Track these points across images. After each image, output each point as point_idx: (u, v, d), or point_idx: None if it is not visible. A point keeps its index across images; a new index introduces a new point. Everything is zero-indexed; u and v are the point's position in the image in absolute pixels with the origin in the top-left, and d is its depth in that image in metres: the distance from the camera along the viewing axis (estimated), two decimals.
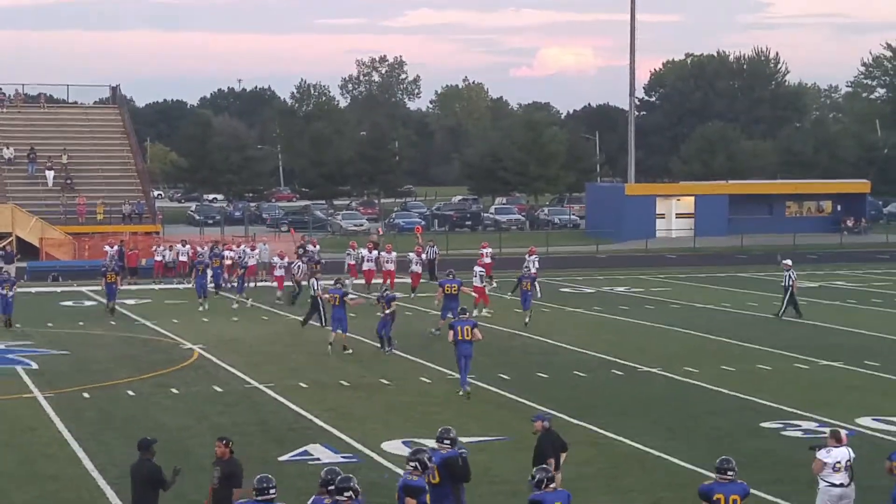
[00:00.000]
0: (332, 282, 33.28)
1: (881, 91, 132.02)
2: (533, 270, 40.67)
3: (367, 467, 19.88)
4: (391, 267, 44.78)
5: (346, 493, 12.85)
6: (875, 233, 76.72)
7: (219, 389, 26.91)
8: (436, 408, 24.78)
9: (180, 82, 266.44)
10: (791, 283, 38.65)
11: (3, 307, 37.10)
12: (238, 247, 49.38)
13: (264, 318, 39.69)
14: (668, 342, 34.03)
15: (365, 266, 45.68)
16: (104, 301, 40.86)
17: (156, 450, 15.22)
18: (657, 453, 20.98)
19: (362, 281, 45.44)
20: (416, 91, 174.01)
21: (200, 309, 40.84)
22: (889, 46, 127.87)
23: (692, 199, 76.71)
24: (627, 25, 79.84)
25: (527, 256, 43.73)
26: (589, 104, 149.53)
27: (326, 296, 32.87)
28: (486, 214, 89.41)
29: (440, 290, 34.43)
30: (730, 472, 14.00)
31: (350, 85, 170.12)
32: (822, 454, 15.95)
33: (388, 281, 43.86)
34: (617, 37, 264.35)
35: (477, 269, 39.85)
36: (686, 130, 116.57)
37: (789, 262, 39.70)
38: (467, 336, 25.63)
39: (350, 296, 33.24)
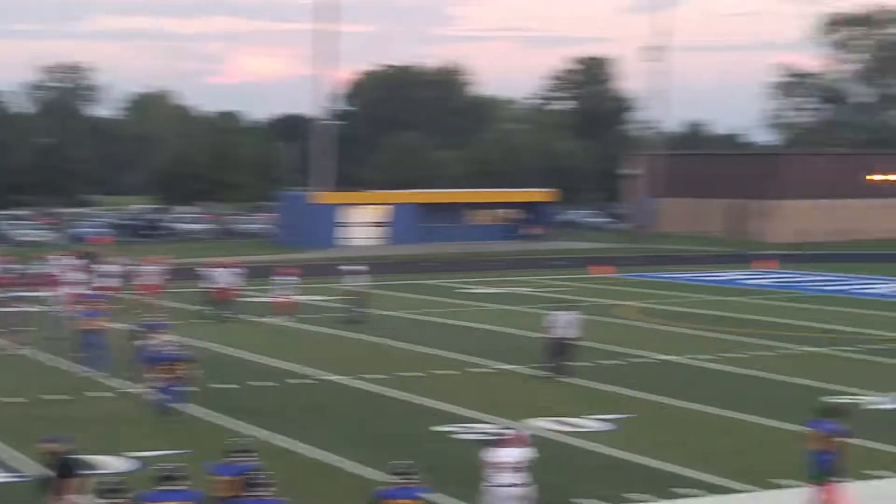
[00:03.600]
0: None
1: (565, 103, 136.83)
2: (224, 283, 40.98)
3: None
4: (155, 281, 42.70)
5: None
6: (557, 240, 79.48)
7: None
8: (121, 424, 24.35)
9: None
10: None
11: None
12: None
13: None
14: (347, 349, 34.47)
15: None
16: None
17: None
18: (336, 458, 21.20)
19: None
20: (103, 98, 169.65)
21: None
22: (574, 60, 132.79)
23: (383, 207, 77.78)
24: (321, 35, 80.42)
25: (274, 278, 42.91)
26: (281, 113, 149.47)
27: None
28: (171, 224, 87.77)
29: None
30: (405, 476, 14.21)
31: (33, 91, 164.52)
32: (488, 454, 16.42)
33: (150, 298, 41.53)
34: (310, 46, 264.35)
35: (282, 279, 40.52)
36: (380, 140, 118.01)
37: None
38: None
39: None
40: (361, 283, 41.04)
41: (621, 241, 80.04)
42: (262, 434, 23.01)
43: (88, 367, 29.07)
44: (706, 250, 73.02)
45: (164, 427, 24.00)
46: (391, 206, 77.77)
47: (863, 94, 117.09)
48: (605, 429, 23.87)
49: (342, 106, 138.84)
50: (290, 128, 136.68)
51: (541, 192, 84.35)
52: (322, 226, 74.32)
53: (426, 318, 42.01)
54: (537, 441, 21.54)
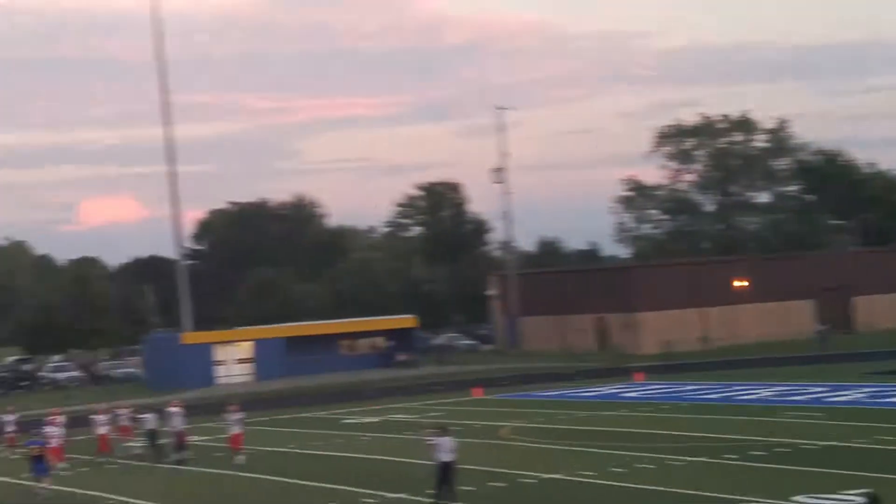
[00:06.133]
0: None
1: (416, 229, 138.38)
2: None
3: None
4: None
5: None
6: (426, 365, 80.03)
7: None
8: None
9: None
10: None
11: None
12: None
13: None
14: (241, 487, 34.55)
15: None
16: None
17: None
18: None
19: None
20: None
21: None
22: (419, 186, 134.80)
23: (250, 343, 77.99)
24: (167, 177, 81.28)
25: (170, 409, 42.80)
26: (138, 256, 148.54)
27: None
28: (42, 374, 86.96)
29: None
30: None
31: None
32: None
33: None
34: (159, 188, 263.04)
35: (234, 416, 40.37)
36: (237, 277, 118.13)
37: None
38: None
39: None
40: (177, 423, 41.20)
41: (492, 362, 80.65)
42: None
43: None
44: (577, 366, 73.79)
45: None
46: (254, 342, 78.12)
47: (707, 202, 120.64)
48: None
49: (194, 245, 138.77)
50: (148, 269, 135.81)
51: (404, 318, 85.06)
52: (200, 364, 74.53)
53: (313, 451, 42.23)
54: None
